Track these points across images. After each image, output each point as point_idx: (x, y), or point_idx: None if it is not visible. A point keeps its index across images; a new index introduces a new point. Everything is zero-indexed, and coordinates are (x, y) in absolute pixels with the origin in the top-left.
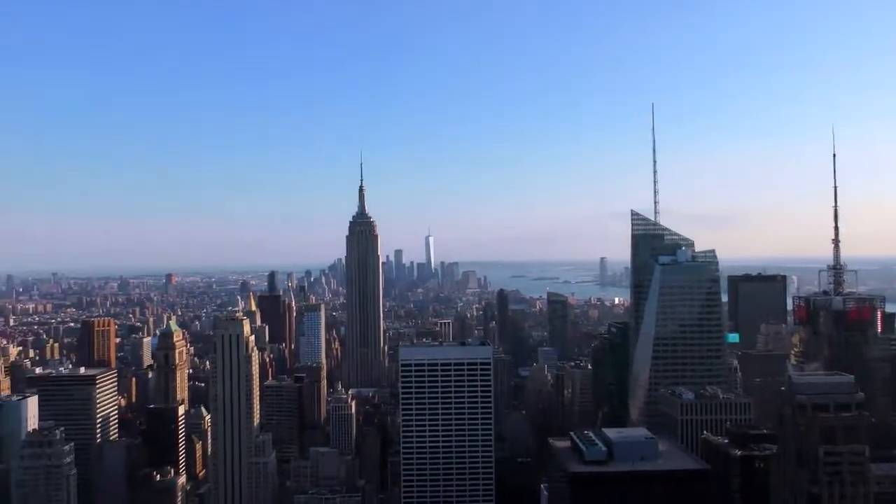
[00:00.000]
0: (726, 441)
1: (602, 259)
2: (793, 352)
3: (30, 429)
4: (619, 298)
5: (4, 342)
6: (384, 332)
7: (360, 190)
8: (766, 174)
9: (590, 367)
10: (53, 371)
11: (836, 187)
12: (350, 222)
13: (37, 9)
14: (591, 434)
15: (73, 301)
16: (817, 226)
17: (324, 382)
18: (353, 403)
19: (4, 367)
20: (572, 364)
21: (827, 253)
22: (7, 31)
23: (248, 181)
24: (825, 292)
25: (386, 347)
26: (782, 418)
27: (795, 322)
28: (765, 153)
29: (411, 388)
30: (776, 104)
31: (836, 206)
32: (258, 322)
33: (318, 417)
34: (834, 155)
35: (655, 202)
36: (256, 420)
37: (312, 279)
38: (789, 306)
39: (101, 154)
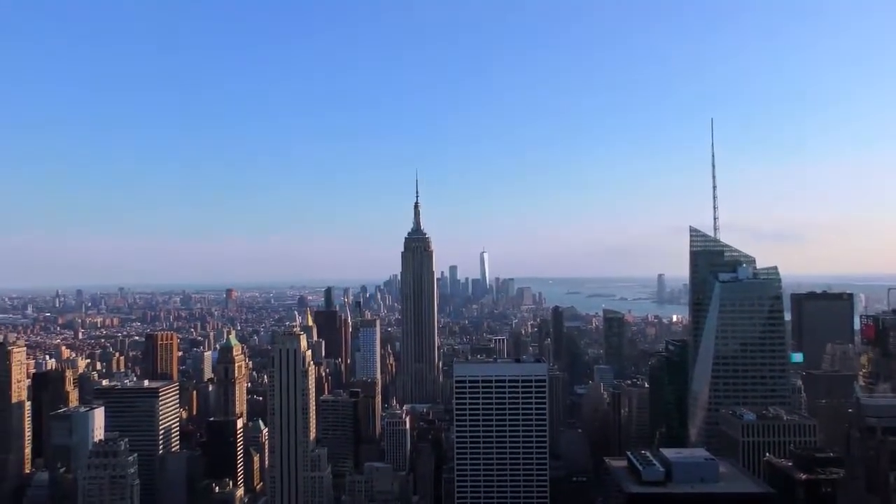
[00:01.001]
0: (790, 464)
1: (660, 276)
2: (861, 373)
3: (96, 439)
4: (678, 316)
5: (73, 354)
6: (438, 348)
7: (416, 206)
8: (831, 189)
9: (647, 385)
10: (119, 383)
11: None
12: (405, 238)
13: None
14: (648, 454)
15: (139, 315)
16: (886, 242)
17: (379, 398)
18: (408, 419)
19: (73, 379)
20: (629, 382)
21: None
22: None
23: (307, 199)
24: (895, 311)
25: (440, 363)
26: (850, 441)
27: (863, 342)
28: (828, 167)
29: (465, 404)
30: (839, 117)
31: None
32: (315, 337)
33: (373, 432)
34: None
35: (715, 218)
36: (312, 434)
37: (368, 295)
38: (856, 325)
39: (165, 176)
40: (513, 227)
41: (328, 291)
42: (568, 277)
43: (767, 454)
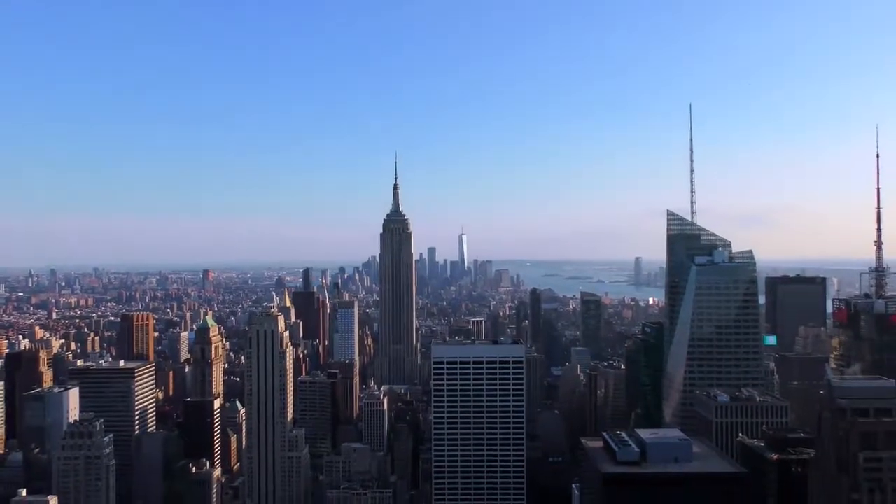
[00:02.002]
0: (763, 444)
1: (637, 259)
2: (832, 355)
3: (71, 420)
4: (654, 299)
5: (47, 335)
6: (417, 329)
7: (395, 188)
8: (807, 174)
9: (623, 367)
10: (94, 364)
11: (879, 188)
12: (384, 220)
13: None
14: (624, 435)
15: (114, 296)
16: (859, 227)
17: (356, 379)
18: (386, 400)
19: (47, 360)
20: (605, 364)
21: (869, 255)
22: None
23: (284, 180)
24: (867, 295)
25: (418, 345)
26: (821, 422)
27: (835, 325)
28: (805, 152)
29: (443, 385)
30: (817, 102)
31: (879, 207)
32: (293, 318)
33: (351, 414)
34: (878, 155)
35: (692, 202)
36: (290, 415)
37: (346, 276)
38: (829, 309)
39: (140, 154)
40: (492, 210)
41: (306, 272)
42: (546, 260)
43: (740, 435)
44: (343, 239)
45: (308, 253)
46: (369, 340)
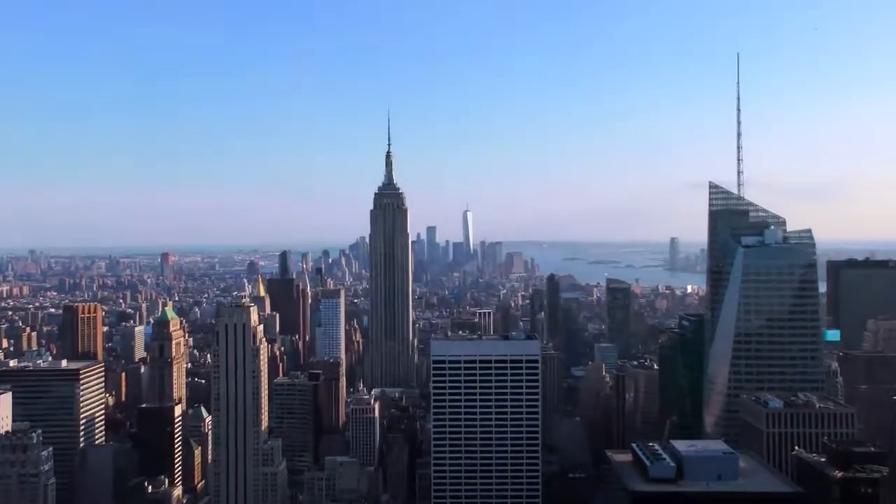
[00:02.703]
0: (823, 459)
1: (672, 240)
2: None
3: (2, 431)
4: (693, 286)
5: None
6: (413, 323)
7: (388, 156)
8: (878, 139)
9: (656, 367)
10: (30, 364)
11: None
12: (375, 194)
13: None
14: (656, 447)
15: (54, 283)
16: None
17: (343, 381)
18: (377, 406)
19: None
20: (635, 363)
21: None
22: None
23: (258, 148)
24: None
25: (416, 341)
26: (894, 434)
27: None
28: (876, 113)
29: (445, 388)
30: (887, 54)
31: None
32: (268, 310)
33: (336, 421)
34: None
35: (739, 172)
36: (265, 423)
37: (331, 260)
38: None
39: (87, 117)
40: (502, 183)
41: (283, 256)
42: (565, 241)
43: (796, 448)
44: (327, 217)
45: (286, 233)
46: (358, 336)
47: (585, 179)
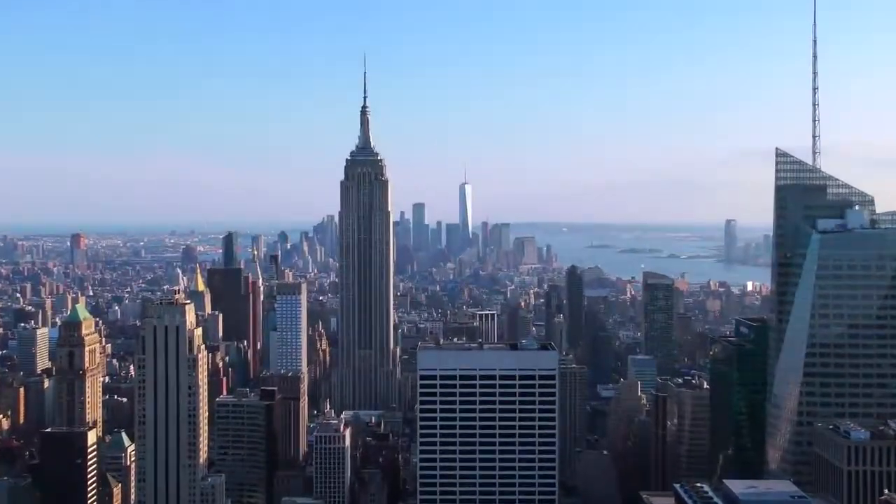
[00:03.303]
0: None
1: (728, 223)
2: None
3: None
4: (754, 283)
5: None
6: (396, 327)
7: (363, 112)
8: None
9: (706, 386)
10: None
11: None
12: (347, 161)
13: None
14: (706, 488)
15: None
16: None
17: (304, 401)
18: (348, 433)
19: None
20: (680, 381)
21: None
22: None
23: (198, 104)
24: None
25: (398, 350)
26: None
27: None
28: None
29: (435, 412)
30: None
31: None
32: (208, 309)
33: (296, 452)
34: None
35: (815, 136)
36: (204, 454)
37: (290, 245)
38: None
39: None
40: (510, 149)
41: (229, 240)
42: (591, 223)
43: (886, 491)
44: (285, 190)
45: (232, 210)
46: (324, 343)
47: (617, 145)
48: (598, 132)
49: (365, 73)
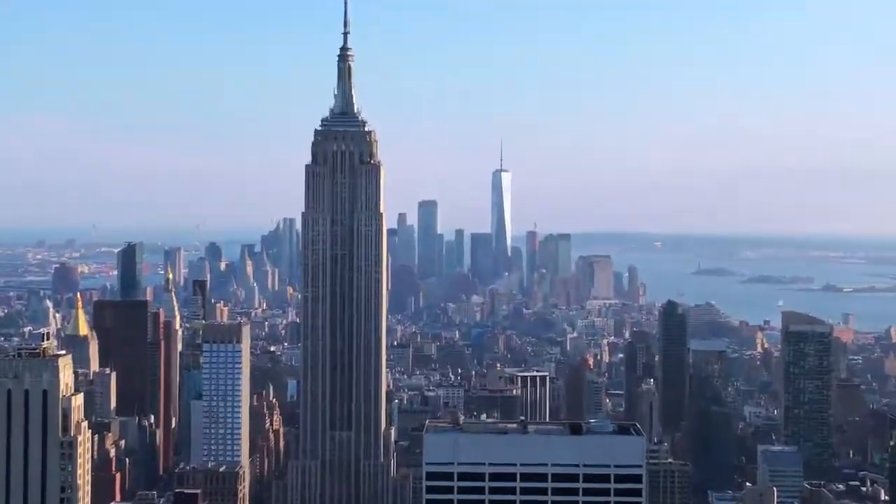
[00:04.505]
0: None
1: None
2: None
3: None
4: None
5: None
6: (389, 395)
7: (343, 57)
8: None
9: (884, 496)
10: None
11: None
12: (317, 133)
13: None
14: None
15: None
16: None
17: None
18: None
19: None
20: (840, 487)
21: None
22: None
23: (92, 59)
24: None
25: (393, 432)
26: None
27: None
28: None
29: None
30: None
31: None
32: (94, 363)
33: None
34: None
35: None
36: None
37: (225, 265)
38: None
39: None
40: (568, 120)
41: (129, 256)
42: (697, 235)
43: None
44: (219, 181)
45: (137, 209)
46: (276, 419)
47: (733, 113)
48: (708, 94)
49: (346, 6)
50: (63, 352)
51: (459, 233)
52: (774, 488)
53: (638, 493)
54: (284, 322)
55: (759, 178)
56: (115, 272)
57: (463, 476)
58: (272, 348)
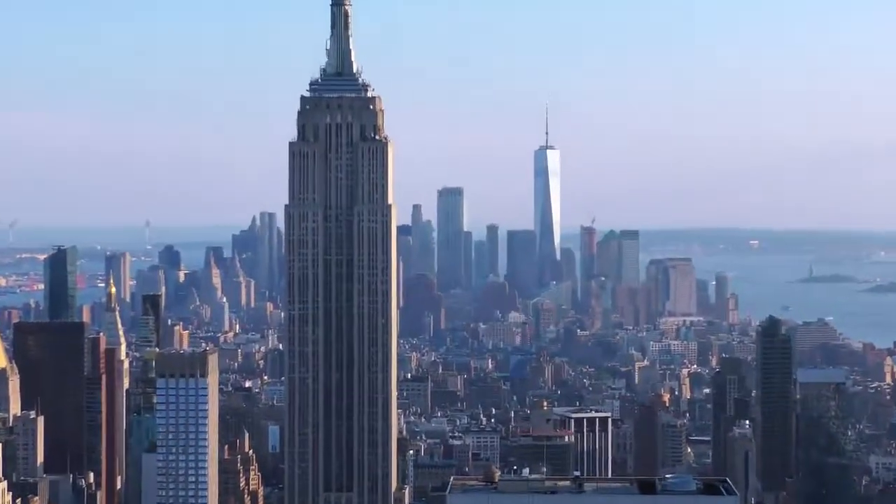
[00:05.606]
0: None
1: None
2: None
3: None
4: None
5: None
6: (402, 442)
7: (339, 6)
8: None
9: None
10: None
11: None
12: (304, 99)
13: None
14: None
15: None
16: None
17: None
18: None
19: None
20: None
21: None
22: None
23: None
24: None
25: (407, 493)
26: None
27: None
28: None
29: None
30: None
31: None
32: (15, 405)
33: None
34: None
35: None
36: None
37: (184, 274)
38: None
39: None
40: (630, 84)
41: (59, 263)
42: (807, 232)
43: None
44: (175, 164)
45: (72, 202)
46: (253, 477)
47: (845, 79)
48: (826, 55)
49: None
50: None
51: (492, 230)
52: None
53: None
54: (263, 349)
55: (892, 158)
56: (41, 286)
57: None
58: (247, 384)
